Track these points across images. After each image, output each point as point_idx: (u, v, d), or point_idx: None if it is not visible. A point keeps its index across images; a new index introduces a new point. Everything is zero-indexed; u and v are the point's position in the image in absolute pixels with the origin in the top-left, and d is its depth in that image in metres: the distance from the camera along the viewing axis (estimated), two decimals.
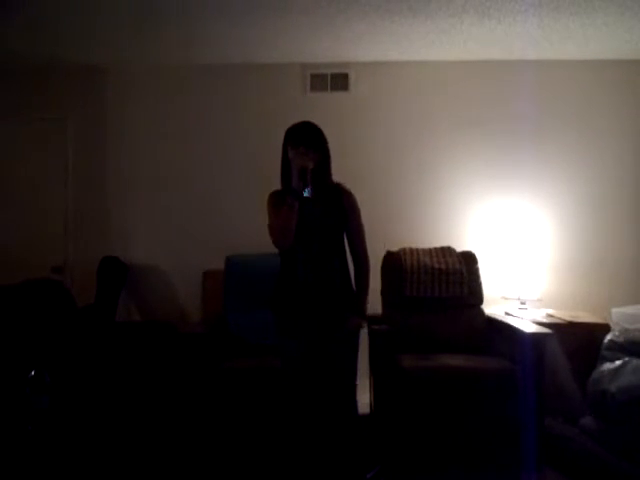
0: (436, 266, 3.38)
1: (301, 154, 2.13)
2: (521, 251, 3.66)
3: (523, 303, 3.57)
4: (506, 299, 3.64)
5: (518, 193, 3.83)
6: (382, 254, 3.42)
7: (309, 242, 2.19)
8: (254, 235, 3.69)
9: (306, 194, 2.06)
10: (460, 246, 3.59)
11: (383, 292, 3.38)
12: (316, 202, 2.20)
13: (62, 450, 2.26)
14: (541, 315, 3.44)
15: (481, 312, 3.39)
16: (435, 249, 3.52)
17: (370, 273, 2.34)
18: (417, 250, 3.50)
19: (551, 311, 3.55)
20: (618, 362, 2.80)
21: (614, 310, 3.27)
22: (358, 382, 2.35)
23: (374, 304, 3.02)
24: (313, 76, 3.90)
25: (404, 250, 3.50)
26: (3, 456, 2.03)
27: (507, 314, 3.43)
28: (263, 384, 2.87)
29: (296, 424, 2.25)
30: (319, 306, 2.20)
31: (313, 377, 2.23)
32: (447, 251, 3.50)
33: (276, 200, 2.22)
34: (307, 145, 2.16)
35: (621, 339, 2.96)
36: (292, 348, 2.24)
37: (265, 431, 2.81)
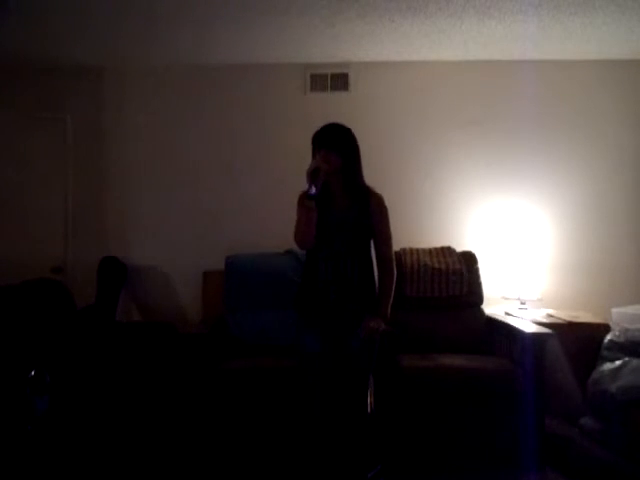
0: (436, 266, 3.39)
1: (321, 157, 2.16)
2: (521, 251, 3.66)
3: (523, 303, 3.57)
4: (506, 299, 3.63)
5: (518, 193, 3.82)
6: None
7: (331, 240, 2.21)
8: (254, 235, 3.74)
9: (312, 192, 2.08)
10: (460, 246, 3.59)
11: None
12: (343, 202, 2.24)
13: (62, 450, 2.26)
14: (541, 315, 3.43)
15: (481, 312, 3.39)
16: (435, 249, 3.52)
17: (394, 277, 2.31)
18: (417, 250, 3.50)
19: (551, 311, 3.54)
20: (618, 362, 2.80)
21: (614, 310, 3.27)
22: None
23: None
24: (313, 76, 3.89)
25: (404, 250, 3.50)
26: (3, 456, 2.03)
27: (507, 314, 3.43)
28: (263, 385, 2.87)
29: (307, 422, 2.26)
30: (337, 304, 2.21)
31: (328, 375, 2.23)
32: (447, 251, 3.51)
33: (301, 200, 2.24)
34: (328, 148, 2.19)
35: (621, 339, 2.95)
36: (310, 345, 2.24)
37: (265, 431, 2.81)
